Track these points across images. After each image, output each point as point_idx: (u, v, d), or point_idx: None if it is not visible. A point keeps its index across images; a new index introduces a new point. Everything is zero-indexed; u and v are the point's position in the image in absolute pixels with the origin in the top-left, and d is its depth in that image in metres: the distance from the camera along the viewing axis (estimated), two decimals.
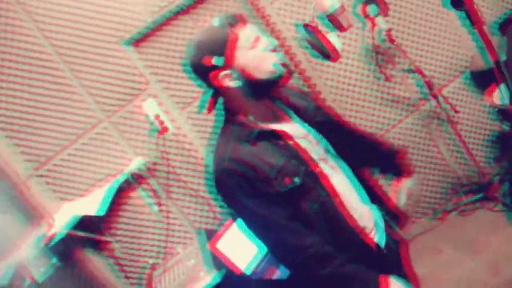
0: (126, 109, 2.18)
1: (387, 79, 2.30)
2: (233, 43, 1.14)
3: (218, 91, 1.21)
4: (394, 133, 2.38)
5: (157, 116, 2.17)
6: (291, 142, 1.22)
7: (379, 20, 2.14)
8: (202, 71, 1.17)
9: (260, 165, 1.16)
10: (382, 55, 2.31)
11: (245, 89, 1.18)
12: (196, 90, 2.20)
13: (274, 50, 1.18)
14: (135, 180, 2.18)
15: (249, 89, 1.18)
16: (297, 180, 1.17)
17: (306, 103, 1.35)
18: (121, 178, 2.12)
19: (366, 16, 2.11)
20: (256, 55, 1.16)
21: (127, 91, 2.17)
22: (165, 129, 2.17)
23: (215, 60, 1.14)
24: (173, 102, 2.21)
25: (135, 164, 2.16)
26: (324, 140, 1.30)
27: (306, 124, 1.30)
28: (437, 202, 2.45)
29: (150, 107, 2.17)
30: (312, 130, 1.30)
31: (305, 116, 1.30)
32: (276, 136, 1.21)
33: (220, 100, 1.24)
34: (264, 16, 2.22)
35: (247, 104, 1.20)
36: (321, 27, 1.57)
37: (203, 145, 2.26)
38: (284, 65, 1.18)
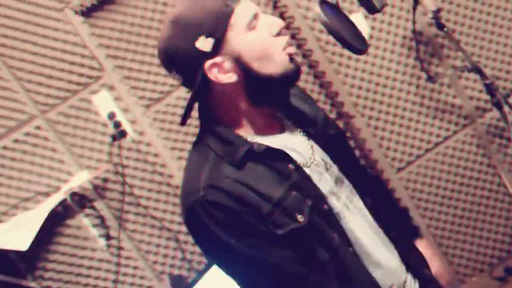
0: (70, 103, 2.11)
1: (431, 79, 2.24)
2: (226, 19, 1.12)
3: (203, 89, 1.17)
4: (436, 155, 2.33)
5: (112, 115, 2.12)
6: (293, 166, 1.20)
7: None
8: (185, 58, 1.13)
9: (250, 196, 1.13)
10: (425, 46, 2.26)
11: (244, 87, 1.16)
12: (168, 83, 2.15)
13: (279, 34, 1.16)
14: (76, 202, 2.11)
15: (249, 87, 1.16)
16: (301, 218, 1.15)
17: (314, 112, 1.33)
18: (56, 199, 2.04)
19: None
20: (258, 39, 1.14)
21: (73, 78, 2.11)
22: (123, 134, 2.12)
23: (206, 43, 1.10)
24: (136, 97, 2.15)
25: (77, 180, 2.10)
26: (336, 167, 1.29)
27: (313, 142, 1.28)
28: (497, 254, 2.36)
29: (103, 103, 2.11)
30: (320, 151, 1.27)
31: (312, 130, 1.29)
32: (273, 157, 1.17)
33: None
34: None
35: (240, 110, 1.18)
36: (344, 6, 1.54)
37: (174, 158, 2.19)
38: (295, 57, 1.16)
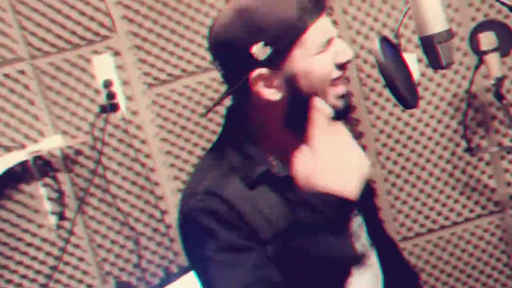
0: (65, 56, 2.00)
1: (470, 150, 2.11)
2: (299, 35, 1.07)
3: (240, 95, 1.15)
4: (451, 235, 2.16)
5: (108, 84, 2.00)
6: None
7: (493, 58, 1.93)
8: (235, 56, 1.09)
9: (254, 218, 1.11)
10: (475, 112, 2.12)
11: (284, 108, 1.13)
12: (181, 67, 2.02)
13: (343, 66, 1.12)
14: (38, 167, 2.00)
15: (290, 110, 1.13)
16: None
17: None
18: (17, 157, 1.94)
19: (477, 49, 1.94)
20: (323, 65, 1.10)
21: (78, 30, 2.00)
22: (114, 108, 2.00)
23: (262, 51, 1.06)
24: (140, 72, 2.04)
25: (47, 143, 1.98)
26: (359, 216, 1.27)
27: None
28: None
29: (103, 67, 2.01)
30: None
31: None
32: (290, 187, 1.12)
33: (229, 110, 1.20)
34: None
35: (272, 128, 1.16)
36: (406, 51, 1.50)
37: (162, 151, 2.05)
38: (346, 97, 1.14)
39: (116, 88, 2.00)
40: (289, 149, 1.15)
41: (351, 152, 1.07)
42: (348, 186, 1.04)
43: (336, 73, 1.11)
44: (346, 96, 1.14)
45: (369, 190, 1.37)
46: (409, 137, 2.10)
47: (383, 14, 2.05)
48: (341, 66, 1.11)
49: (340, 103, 1.13)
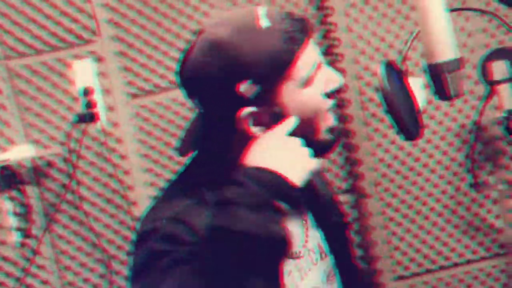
0: (43, 58, 1.96)
1: (476, 186, 2.06)
2: (284, 68, 1.04)
3: (225, 132, 1.10)
4: (451, 277, 2.09)
5: (88, 92, 1.96)
6: None
7: (506, 89, 1.86)
8: (217, 95, 1.04)
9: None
10: (483, 146, 2.07)
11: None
12: (169, 78, 1.96)
13: (331, 96, 1.09)
14: (4, 178, 1.96)
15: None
16: None
17: (323, 189, 1.29)
18: None
19: (489, 78, 1.89)
20: (312, 97, 1.07)
21: (59, 31, 1.95)
22: (92, 118, 1.96)
23: (250, 90, 1.03)
24: (124, 81, 1.98)
25: (17, 152, 1.95)
26: (331, 258, 1.24)
27: (310, 223, 1.22)
28: None
29: (83, 73, 1.97)
30: (318, 236, 1.22)
31: (315, 208, 1.23)
32: None
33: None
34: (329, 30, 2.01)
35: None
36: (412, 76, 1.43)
37: (141, 169, 1.98)
38: (336, 129, 1.12)
39: (96, 97, 1.98)
40: None
41: (299, 150, 1.04)
42: (291, 171, 1.00)
43: (326, 103, 1.08)
44: (336, 129, 1.11)
45: (342, 227, 1.35)
46: (411, 169, 2.04)
47: (390, 34, 1.99)
48: (331, 95, 1.08)
49: (329, 137, 1.10)
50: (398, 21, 2.01)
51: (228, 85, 1.03)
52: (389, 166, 2.05)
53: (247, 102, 1.03)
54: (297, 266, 1.16)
